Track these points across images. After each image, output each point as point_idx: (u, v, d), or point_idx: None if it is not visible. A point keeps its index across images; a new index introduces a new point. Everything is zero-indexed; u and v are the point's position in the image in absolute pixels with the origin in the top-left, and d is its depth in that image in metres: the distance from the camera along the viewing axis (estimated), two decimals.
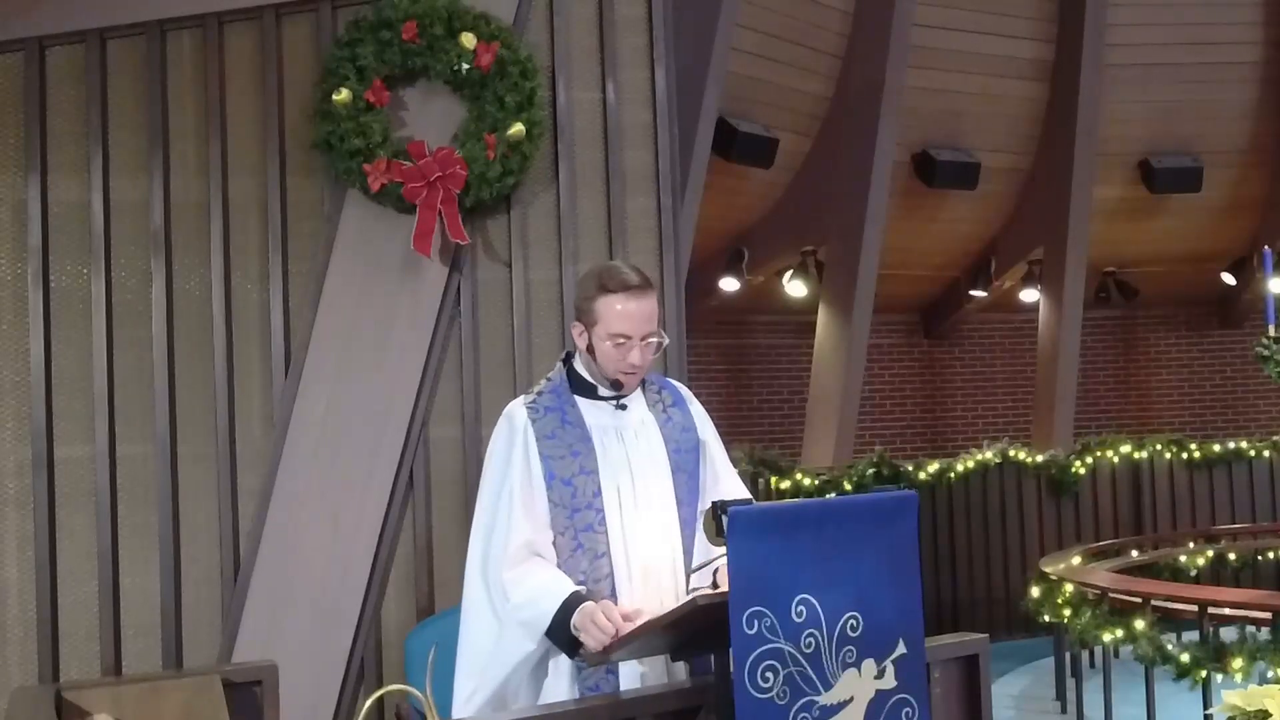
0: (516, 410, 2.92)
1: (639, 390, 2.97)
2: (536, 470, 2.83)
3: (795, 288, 10.74)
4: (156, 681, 3.17)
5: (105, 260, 4.21)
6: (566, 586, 2.73)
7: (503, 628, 2.77)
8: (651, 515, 2.85)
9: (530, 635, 2.74)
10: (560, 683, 2.79)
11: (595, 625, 2.61)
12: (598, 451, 2.85)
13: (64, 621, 4.11)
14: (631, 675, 2.81)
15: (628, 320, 2.84)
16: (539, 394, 2.93)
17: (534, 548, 2.79)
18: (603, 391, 2.92)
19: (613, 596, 2.78)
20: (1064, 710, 7.36)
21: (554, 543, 2.81)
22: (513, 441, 2.87)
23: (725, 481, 2.99)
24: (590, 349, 2.89)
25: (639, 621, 2.61)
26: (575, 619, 2.66)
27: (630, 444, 2.89)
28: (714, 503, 2.41)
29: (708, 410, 3.13)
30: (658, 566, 2.83)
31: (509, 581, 2.75)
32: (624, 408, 2.92)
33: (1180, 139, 10.95)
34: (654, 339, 2.89)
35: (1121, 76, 10.63)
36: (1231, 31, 10.63)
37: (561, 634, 2.70)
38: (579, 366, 2.96)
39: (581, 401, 2.91)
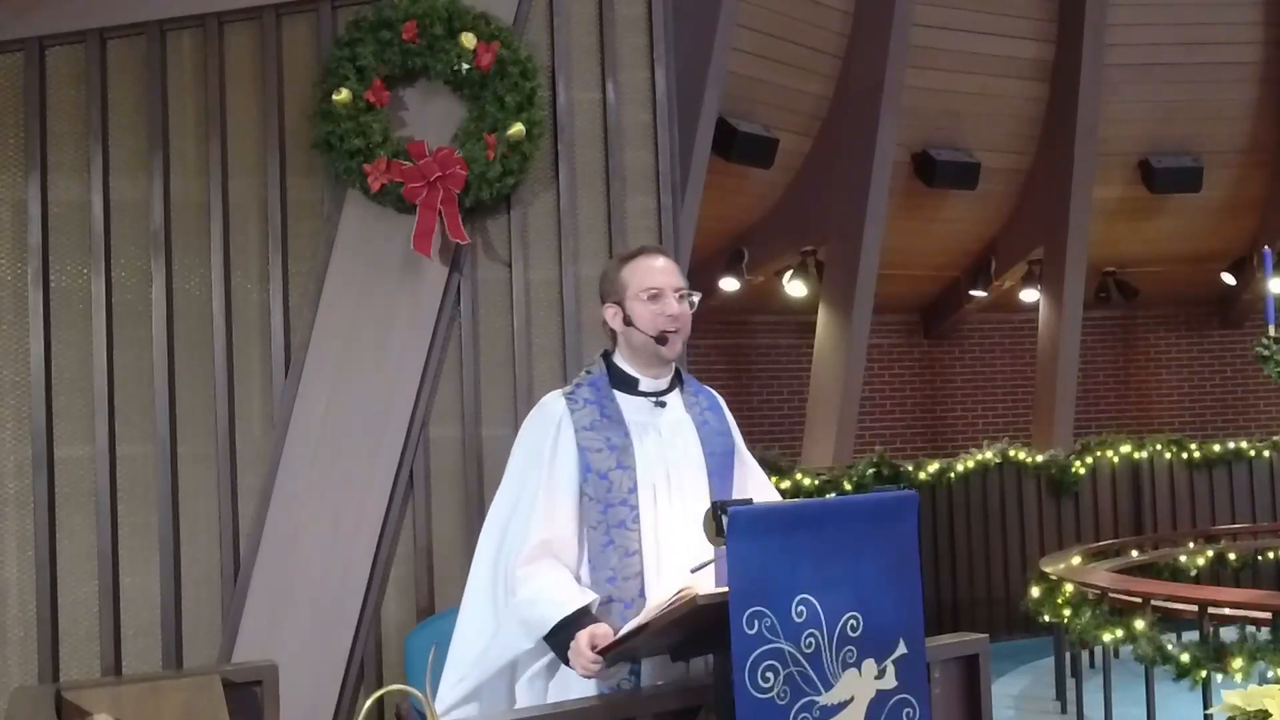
0: (553, 400, 2.86)
1: (676, 391, 2.93)
2: (569, 463, 2.77)
3: (795, 288, 10.73)
4: (156, 681, 3.17)
5: (105, 260, 4.21)
6: (572, 601, 2.66)
7: (501, 621, 2.75)
8: (685, 516, 2.78)
9: (527, 634, 2.71)
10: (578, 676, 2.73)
11: (580, 661, 2.59)
12: (635, 448, 2.80)
13: (64, 621, 4.11)
14: (652, 673, 2.76)
15: (655, 272, 2.86)
16: (577, 385, 2.88)
17: (551, 548, 2.73)
18: (643, 386, 2.87)
19: (641, 596, 2.73)
20: (1064, 710, 7.36)
21: (584, 537, 2.76)
22: (545, 434, 2.81)
23: (765, 488, 2.99)
24: (627, 321, 2.85)
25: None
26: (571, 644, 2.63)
27: (668, 442, 2.84)
28: (714, 503, 2.39)
29: None
30: (687, 567, 2.76)
31: (520, 577, 2.70)
32: (663, 405, 2.88)
33: (1180, 139, 10.95)
34: (688, 294, 2.88)
35: (1121, 76, 10.63)
36: (1231, 31, 10.62)
37: (559, 646, 2.67)
38: (619, 360, 2.91)
39: (620, 397, 2.85)
